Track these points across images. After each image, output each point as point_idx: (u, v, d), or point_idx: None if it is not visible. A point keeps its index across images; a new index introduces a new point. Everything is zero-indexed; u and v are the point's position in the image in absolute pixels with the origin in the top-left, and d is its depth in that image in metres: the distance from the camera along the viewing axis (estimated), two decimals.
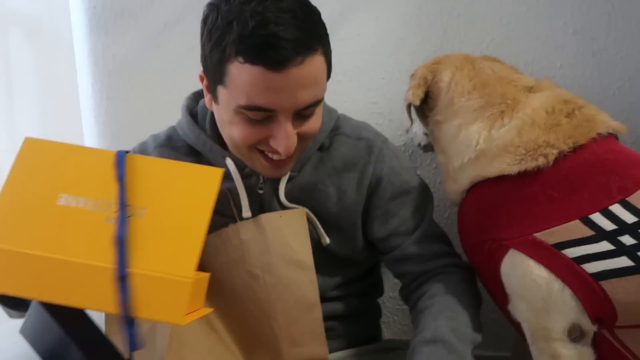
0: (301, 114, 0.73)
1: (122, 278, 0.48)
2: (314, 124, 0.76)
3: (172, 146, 0.88)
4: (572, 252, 0.69)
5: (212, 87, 0.75)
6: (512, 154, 0.76)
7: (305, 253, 0.82)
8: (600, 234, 0.68)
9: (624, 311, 0.67)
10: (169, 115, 1.33)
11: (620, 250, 0.67)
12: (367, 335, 0.98)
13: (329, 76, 0.77)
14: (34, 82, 1.25)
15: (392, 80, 1.23)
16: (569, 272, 0.69)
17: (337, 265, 0.90)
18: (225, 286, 0.84)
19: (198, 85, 1.29)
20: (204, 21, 0.74)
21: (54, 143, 0.51)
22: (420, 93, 0.92)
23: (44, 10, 1.29)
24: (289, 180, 0.84)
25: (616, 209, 0.68)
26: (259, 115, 0.71)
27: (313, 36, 0.69)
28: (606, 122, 0.77)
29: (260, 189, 0.85)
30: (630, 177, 0.71)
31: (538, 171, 0.74)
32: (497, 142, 0.78)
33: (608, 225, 0.68)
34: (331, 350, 0.87)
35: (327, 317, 0.85)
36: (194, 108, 0.92)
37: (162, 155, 0.86)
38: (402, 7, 1.20)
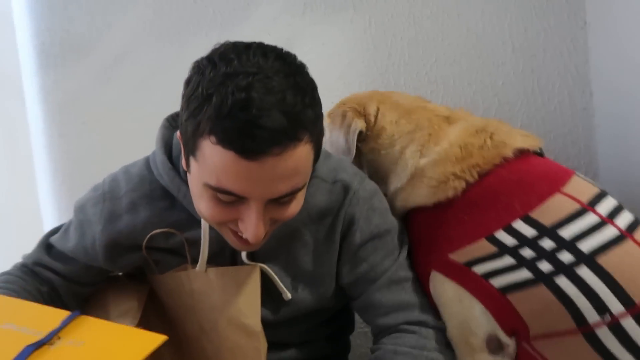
0: (277, 201, 0.65)
1: None
2: (292, 209, 0.69)
3: (144, 191, 0.80)
4: (480, 269, 0.74)
5: (186, 155, 0.68)
6: (426, 185, 0.81)
7: (253, 317, 0.76)
8: (503, 250, 0.72)
9: (532, 321, 0.71)
10: (123, 150, 1.33)
11: (521, 263, 0.71)
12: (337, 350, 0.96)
13: (316, 158, 0.71)
14: None
15: None
16: (478, 288, 0.74)
17: (304, 313, 0.84)
18: (179, 329, 0.83)
19: (151, 118, 1.31)
20: (187, 83, 0.67)
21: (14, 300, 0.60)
22: (362, 121, 0.92)
23: None
24: None
25: (518, 224, 0.73)
26: (229, 199, 0.64)
27: (299, 124, 0.61)
28: (514, 145, 0.80)
29: None
30: (534, 192, 0.75)
31: (450, 200, 0.79)
32: (418, 171, 0.83)
33: (510, 241, 0.72)
34: None
35: None
36: (169, 139, 0.84)
37: (134, 203, 0.79)
38: (347, 32, 1.22)
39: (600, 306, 0.67)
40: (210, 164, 0.61)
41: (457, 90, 1.20)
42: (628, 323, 0.66)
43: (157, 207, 0.79)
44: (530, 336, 0.72)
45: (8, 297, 0.59)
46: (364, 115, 0.92)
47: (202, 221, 0.76)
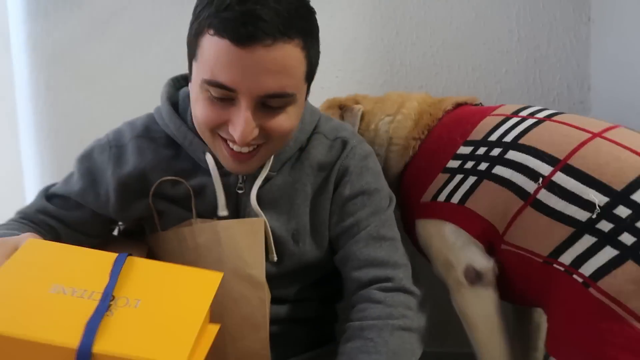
0: (267, 105, 0.69)
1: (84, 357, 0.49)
2: (282, 122, 0.71)
3: (150, 137, 0.83)
4: (442, 196, 0.86)
5: (189, 64, 0.73)
6: (395, 154, 0.96)
7: (257, 268, 0.79)
8: (453, 173, 0.86)
9: (493, 217, 0.81)
10: (113, 107, 1.28)
11: (466, 174, 0.84)
12: (323, 339, 0.96)
13: (309, 79, 0.74)
14: None
15: (345, 79, 1.24)
16: (444, 211, 0.86)
17: (303, 267, 0.86)
18: None
19: (143, 78, 1.27)
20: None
21: (56, 244, 0.54)
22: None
23: None
24: (267, 180, 0.81)
25: (460, 150, 0.86)
26: (220, 93, 0.67)
27: (292, 25, 0.65)
28: (454, 100, 0.96)
29: (240, 188, 0.81)
30: (468, 123, 0.89)
31: (412, 157, 0.95)
32: (388, 142, 0.97)
33: (456, 164, 0.86)
34: (288, 355, 0.86)
35: (286, 320, 0.84)
36: (174, 95, 0.86)
37: (140, 147, 0.82)
38: (355, 6, 1.22)
39: (532, 175, 0.76)
40: (206, 57, 0.66)
41: (461, 74, 1.21)
42: (559, 177, 0.74)
43: (162, 154, 0.82)
44: (501, 235, 0.81)
45: (41, 242, 0.53)
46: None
47: (211, 167, 0.78)
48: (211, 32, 0.65)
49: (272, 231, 0.81)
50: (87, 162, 0.83)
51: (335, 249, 0.87)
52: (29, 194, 1.30)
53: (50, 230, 0.83)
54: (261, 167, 0.80)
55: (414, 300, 0.80)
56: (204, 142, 0.78)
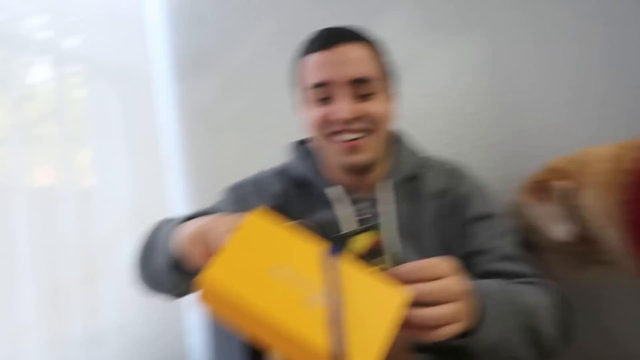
0: (358, 94, 0.86)
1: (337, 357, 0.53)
2: (373, 107, 0.87)
3: (284, 177, 0.98)
4: None
5: (298, 99, 0.95)
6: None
7: None
8: None
9: None
10: (251, 155, 1.42)
11: None
12: None
13: (386, 80, 0.91)
14: (123, 123, 1.35)
15: (463, 122, 1.24)
16: None
17: None
18: None
19: (275, 127, 1.38)
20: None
21: (272, 227, 0.57)
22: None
23: (135, 60, 1.40)
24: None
25: None
26: (321, 93, 0.87)
27: (359, 36, 0.89)
28: None
29: (361, 214, 0.90)
30: None
31: None
32: None
33: None
34: None
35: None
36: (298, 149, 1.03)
37: (275, 182, 0.98)
38: (474, 50, 1.22)
39: None
40: (305, 72, 0.90)
41: (585, 112, 1.16)
42: None
43: (293, 190, 0.96)
44: None
45: (262, 221, 0.57)
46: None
47: (337, 188, 0.91)
48: (304, 56, 0.90)
49: (403, 255, 0.86)
50: (236, 193, 1.00)
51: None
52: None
53: None
54: (384, 192, 0.90)
55: (561, 303, 0.82)
56: (325, 179, 0.94)
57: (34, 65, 1.15)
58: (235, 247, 0.56)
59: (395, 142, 0.98)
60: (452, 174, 0.95)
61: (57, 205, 1.16)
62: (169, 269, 0.77)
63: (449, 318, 0.58)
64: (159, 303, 1.40)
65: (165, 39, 1.46)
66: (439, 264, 0.60)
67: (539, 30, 1.17)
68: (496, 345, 0.68)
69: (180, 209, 1.46)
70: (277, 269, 0.55)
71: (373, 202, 0.90)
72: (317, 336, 0.52)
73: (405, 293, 0.55)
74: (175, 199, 1.48)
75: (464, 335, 0.64)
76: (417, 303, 0.57)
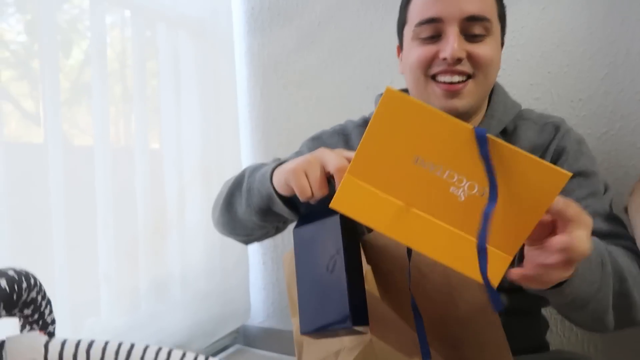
0: (469, 34, 0.78)
1: (482, 250, 0.52)
2: (483, 50, 0.79)
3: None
4: None
5: (400, 38, 0.87)
6: None
7: None
8: None
9: None
10: (318, 112, 1.38)
11: None
12: (535, 343, 0.91)
13: (501, 20, 0.83)
14: (197, 77, 1.34)
15: (559, 75, 1.15)
16: None
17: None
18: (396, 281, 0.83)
19: (348, 84, 1.34)
20: None
21: (412, 101, 0.51)
22: None
23: (208, 12, 1.39)
24: None
25: None
26: (430, 30, 0.79)
27: None
28: None
29: None
30: None
31: None
32: None
33: None
34: None
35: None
36: None
37: (361, 132, 0.91)
38: None
39: None
40: (415, 8, 0.81)
41: None
42: None
43: None
44: None
45: (399, 94, 0.51)
46: None
47: None
48: None
49: None
50: (318, 142, 0.95)
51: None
52: None
53: None
54: None
55: None
56: None
57: (111, 15, 1.14)
58: (373, 139, 0.52)
59: (491, 92, 0.91)
60: (553, 128, 0.87)
61: (133, 162, 1.16)
62: (262, 210, 0.76)
63: (567, 266, 0.53)
64: (225, 259, 1.41)
65: None
66: (581, 212, 0.53)
67: None
68: (583, 302, 0.63)
69: (249, 162, 1.42)
70: (421, 161, 0.52)
71: None
72: (462, 229, 0.52)
73: (565, 174, 0.49)
74: (246, 154, 1.45)
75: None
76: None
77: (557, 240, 0.52)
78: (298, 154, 0.95)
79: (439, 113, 0.50)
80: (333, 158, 0.61)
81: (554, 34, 1.15)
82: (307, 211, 0.68)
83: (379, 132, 0.52)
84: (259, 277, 1.46)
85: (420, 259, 0.78)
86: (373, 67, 1.32)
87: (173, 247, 1.25)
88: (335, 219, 0.60)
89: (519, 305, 0.86)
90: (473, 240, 0.52)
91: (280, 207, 0.73)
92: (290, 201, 0.73)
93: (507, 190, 0.51)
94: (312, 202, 0.65)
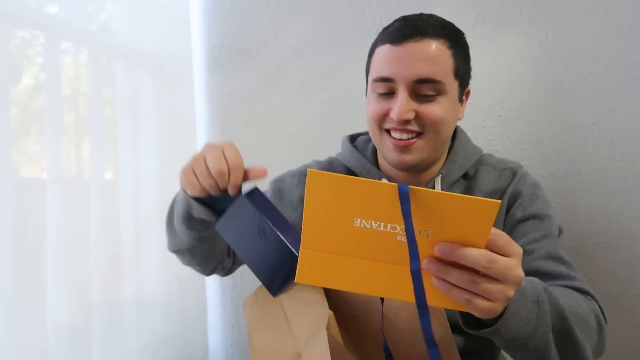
0: (420, 94, 0.81)
1: (423, 308, 0.54)
2: (433, 110, 0.82)
3: (332, 169, 0.98)
4: None
5: (366, 87, 0.91)
6: None
7: None
8: None
9: None
10: (280, 151, 1.38)
11: None
12: None
13: (459, 78, 0.85)
14: (155, 114, 1.32)
15: (509, 118, 1.21)
16: None
17: None
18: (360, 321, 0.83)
19: (310, 123, 1.35)
20: None
21: (333, 176, 0.54)
22: None
23: (167, 50, 1.38)
24: None
25: None
26: (384, 87, 0.83)
27: (438, 30, 0.82)
28: None
29: None
30: None
31: None
32: None
33: None
34: None
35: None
36: (353, 143, 1.02)
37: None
38: (520, 45, 1.20)
39: None
40: (374, 63, 0.86)
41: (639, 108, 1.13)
42: None
43: None
44: None
45: (321, 173, 0.54)
46: None
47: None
48: (378, 45, 0.86)
49: None
50: (279, 184, 1.00)
51: None
52: None
53: None
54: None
55: (600, 315, 0.75)
56: (380, 171, 0.93)
57: (66, 50, 1.11)
58: (312, 214, 0.56)
59: (454, 137, 0.96)
60: (510, 173, 0.92)
61: (85, 197, 1.11)
62: (185, 218, 0.80)
63: (495, 295, 0.53)
64: (183, 299, 1.36)
65: (201, 29, 1.43)
66: (512, 242, 0.55)
67: (589, 24, 1.16)
68: (521, 340, 0.64)
69: None
70: (361, 222, 0.55)
71: None
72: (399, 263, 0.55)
73: (494, 202, 0.51)
74: None
75: (484, 325, 0.62)
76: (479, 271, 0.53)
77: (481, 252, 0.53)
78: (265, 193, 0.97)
79: (362, 180, 0.53)
80: (213, 158, 0.69)
81: (505, 80, 1.21)
82: (222, 207, 0.73)
83: (315, 207, 0.55)
84: (217, 318, 1.43)
85: (388, 302, 0.80)
86: (334, 107, 1.35)
87: (129, 287, 1.21)
88: (242, 198, 0.70)
89: (476, 347, 0.88)
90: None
91: (197, 210, 0.77)
92: (210, 204, 0.78)
93: (445, 233, 0.53)
94: (214, 194, 0.72)
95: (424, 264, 0.54)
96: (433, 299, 0.55)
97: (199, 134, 1.43)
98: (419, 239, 0.53)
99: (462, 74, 0.86)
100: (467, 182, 0.91)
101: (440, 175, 0.90)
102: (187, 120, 1.42)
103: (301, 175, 0.99)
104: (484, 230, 0.53)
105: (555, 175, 1.18)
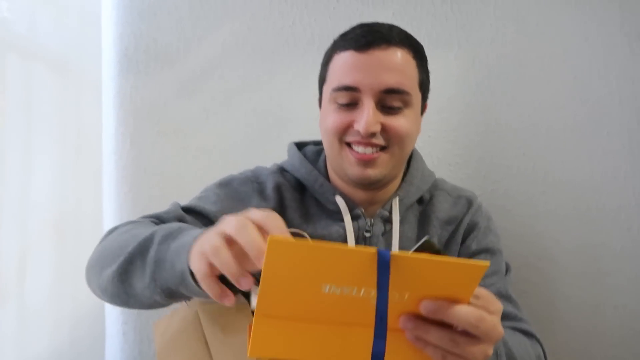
0: (386, 105, 0.76)
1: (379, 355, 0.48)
2: (400, 123, 0.76)
3: (282, 179, 0.88)
4: None
5: (320, 92, 0.84)
6: None
7: None
8: None
9: None
10: (198, 162, 1.27)
11: None
12: None
13: (422, 90, 0.81)
14: (54, 118, 1.16)
15: (438, 139, 1.21)
16: None
17: None
18: None
19: (230, 137, 1.26)
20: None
21: (300, 245, 0.46)
22: None
23: (72, 46, 1.22)
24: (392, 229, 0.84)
25: None
26: (346, 97, 0.76)
27: (403, 39, 0.77)
28: None
29: (367, 231, 0.83)
30: None
31: None
32: None
33: None
34: None
35: None
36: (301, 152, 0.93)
37: (277, 185, 0.86)
38: (450, 69, 1.22)
39: None
40: (334, 70, 0.78)
41: (561, 136, 1.18)
42: None
43: (294, 195, 0.86)
44: None
45: (286, 240, 0.46)
46: None
47: (342, 208, 0.82)
48: (338, 51, 0.78)
49: None
50: (227, 189, 0.86)
51: None
52: None
53: None
54: (390, 213, 0.83)
55: (543, 358, 0.78)
56: (333, 186, 0.85)
57: None
58: (272, 282, 0.47)
59: (410, 158, 0.91)
60: (466, 202, 0.90)
61: None
62: (169, 290, 0.60)
63: (476, 356, 0.50)
64: (77, 331, 1.18)
65: (114, 27, 1.29)
66: (494, 299, 0.52)
67: (514, 51, 1.20)
68: None
69: (113, 219, 1.25)
70: (331, 288, 0.48)
71: (378, 219, 0.83)
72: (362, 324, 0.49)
73: (482, 264, 0.47)
74: (109, 208, 1.27)
75: None
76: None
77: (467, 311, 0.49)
78: (200, 199, 0.85)
79: (334, 248, 0.46)
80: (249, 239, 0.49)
81: (435, 100, 1.20)
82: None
83: (276, 276, 0.47)
84: (117, 351, 1.24)
85: None
86: (260, 120, 1.27)
87: (8, 326, 1.01)
88: None
89: None
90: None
91: (193, 289, 0.58)
92: None
93: (425, 295, 0.48)
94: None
95: (401, 321, 0.48)
96: None
97: (105, 141, 1.27)
98: (394, 303, 0.48)
99: (424, 86, 0.82)
100: (423, 207, 0.88)
101: (398, 197, 0.84)
102: (92, 126, 1.26)
103: (252, 182, 0.88)
104: (468, 291, 0.49)
105: (481, 197, 1.17)
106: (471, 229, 0.87)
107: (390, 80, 0.74)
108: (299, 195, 0.86)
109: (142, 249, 0.63)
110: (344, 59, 0.76)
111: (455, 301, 0.48)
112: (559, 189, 1.17)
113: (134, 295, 0.64)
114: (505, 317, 0.79)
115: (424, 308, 0.47)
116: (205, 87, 1.27)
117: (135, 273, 0.63)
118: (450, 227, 0.87)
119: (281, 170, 0.90)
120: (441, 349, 0.49)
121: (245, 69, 1.27)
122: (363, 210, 0.83)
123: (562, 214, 1.18)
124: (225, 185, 0.87)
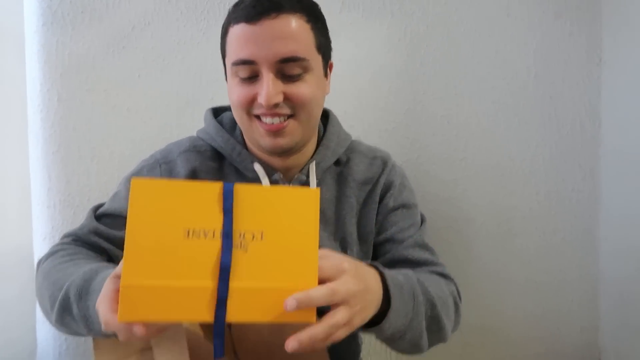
0: (286, 74, 0.76)
1: (221, 299, 0.52)
2: (302, 89, 0.77)
3: (197, 151, 0.88)
4: None
5: (224, 69, 0.83)
6: None
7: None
8: None
9: None
10: (128, 125, 1.25)
11: None
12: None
13: (322, 52, 0.81)
14: None
15: (369, 106, 1.26)
16: None
17: None
18: None
19: (162, 96, 1.24)
20: None
21: (160, 183, 0.52)
22: None
23: None
24: None
25: None
26: (246, 71, 0.76)
27: (294, 5, 0.76)
28: None
29: None
30: None
31: None
32: None
33: None
34: None
35: None
36: (217, 119, 0.92)
37: (188, 160, 0.87)
38: (382, 37, 1.25)
39: None
40: (231, 44, 0.78)
41: (481, 106, 1.26)
42: None
43: (209, 165, 0.87)
44: None
45: (146, 181, 0.52)
46: None
47: (261, 175, 0.84)
48: (232, 24, 0.77)
49: (320, 240, 0.81)
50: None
51: (377, 254, 0.92)
52: (36, 207, 1.23)
53: (102, 252, 0.80)
54: (307, 176, 0.86)
55: (457, 296, 0.84)
56: (251, 154, 0.86)
57: None
58: (136, 232, 0.51)
59: (323, 122, 0.94)
60: (381, 163, 0.94)
61: None
62: (109, 334, 0.62)
63: (343, 322, 0.56)
64: (6, 289, 1.17)
65: None
66: (341, 258, 0.59)
67: (442, 23, 1.25)
68: (400, 333, 0.69)
69: (41, 179, 1.22)
70: (189, 232, 0.52)
71: (297, 183, 0.86)
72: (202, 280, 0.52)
73: (314, 190, 0.56)
74: (37, 169, 1.23)
75: (369, 324, 0.65)
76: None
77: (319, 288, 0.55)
78: (114, 197, 0.87)
79: (187, 183, 0.52)
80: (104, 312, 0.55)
81: (367, 69, 1.25)
82: None
83: (141, 222, 0.51)
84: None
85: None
86: (194, 81, 1.26)
87: None
88: None
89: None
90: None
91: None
92: None
93: (276, 227, 0.54)
94: None
95: (288, 347, 0.53)
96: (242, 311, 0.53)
97: (30, 99, 1.22)
98: (256, 244, 0.53)
99: (324, 47, 0.82)
100: (340, 169, 0.91)
101: (314, 162, 0.87)
102: (15, 84, 1.20)
103: (160, 165, 0.88)
104: (313, 219, 0.55)
105: (408, 162, 1.26)
106: (387, 187, 0.92)
107: (284, 49, 0.74)
108: (217, 164, 0.87)
109: (65, 307, 0.68)
110: (237, 32, 0.76)
111: (303, 241, 0.55)
112: (478, 156, 1.26)
113: (84, 333, 0.69)
114: (423, 263, 0.86)
115: (296, 340, 0.53)
116: (137, 45, 1.24)
117: (72, 324, 0.69)
118: (367, 187, 0.91)
119: (195, 143, 0.89)
120: (327, 335, 0.55)
121: (179, 27, 1.24)
122: (282, 176, 0.85)
123: (479, 178, 1.27)
124: (138, 174, 0.88)
